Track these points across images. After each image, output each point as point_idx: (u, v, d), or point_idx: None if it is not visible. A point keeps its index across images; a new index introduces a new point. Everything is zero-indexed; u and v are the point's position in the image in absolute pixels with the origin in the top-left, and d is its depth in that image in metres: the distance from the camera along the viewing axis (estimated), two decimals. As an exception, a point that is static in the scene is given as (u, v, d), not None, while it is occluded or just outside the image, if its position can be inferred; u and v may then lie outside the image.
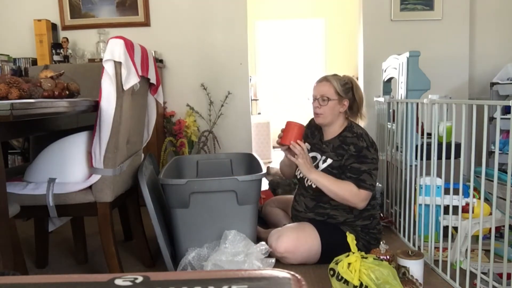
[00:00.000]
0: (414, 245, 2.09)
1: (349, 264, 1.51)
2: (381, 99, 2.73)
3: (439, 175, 1.86)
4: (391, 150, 2.55)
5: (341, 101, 1.99)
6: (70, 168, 1.69)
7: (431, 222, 1.92)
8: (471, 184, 1.88)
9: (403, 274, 1.66)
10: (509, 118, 2.54)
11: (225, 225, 1.87)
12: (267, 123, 5.36)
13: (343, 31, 6.03)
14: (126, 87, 1.62)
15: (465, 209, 1.89)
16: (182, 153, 3.24)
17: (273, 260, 1.84)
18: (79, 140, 1.73)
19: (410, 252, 1.72)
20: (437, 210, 1.96)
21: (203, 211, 1.86)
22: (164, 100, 3.30)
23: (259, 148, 5.23)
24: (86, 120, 1.97)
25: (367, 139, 1.95)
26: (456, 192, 1.86)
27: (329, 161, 1.98)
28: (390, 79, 2.74)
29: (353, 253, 1.55)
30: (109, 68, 1.58)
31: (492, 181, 1.50)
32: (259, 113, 6.08)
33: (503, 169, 1.55)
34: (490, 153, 3.02)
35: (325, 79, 2.01)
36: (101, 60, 2.69)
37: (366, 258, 1.54)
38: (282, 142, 1.94)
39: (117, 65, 1.59)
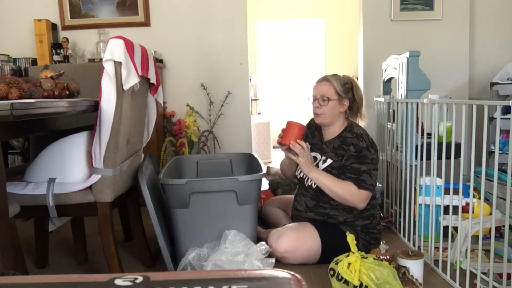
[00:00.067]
0: (414, 245, 2.09)
1: (349, 264, 1.51)
2: (381, 99, 2.73)
3: (439, 175, 1.86)
4: (391, 150, 2.55)
5: (341, 101, 1.99)
6: (70, 168, 1.69)
7: (431, 222, 1.92)
8: (471, 184, 1.88)
9: (403, 274, 1.66)
10: (509, 118, 2.54)
11: (225, 225, 1.87)
12: (267, 123, 5.36)
13: (343, 31, 6.03)
14: (126, 87, 1.62)
15: (465, 209, 1.89)
16: (182, 153, 3.24)
17: (273, 260, 1.84)
18: (79, 140, 1.73)
19: (410, 252, 1.72)
20: (437, 210, 1.96)
21: (203, 211, 1.86)
22: (164, 100, 3.30)
23: (259, 148, 5.23)
24: (86, 120, 1.97)
25: (367, 139, 1.95)
26: (456, 192, 1.86)
27: (329, 161, 1.98)
28: (390, 79, 2.74)
29: (353, 253, 1.55)
30: (109, 68, 1.58)
31: (492, 181, 1.50)
32: (259, 113, 6.08)
33: (503, 169, 1.55)
34: (490, 153, 3.02)
35: (325, 79, 2.01)
36: (101, 60, 2.69)
37: (366, 258, 1.54)
38: (282, 142, 1.94)
39: (117, 65, 1.59)
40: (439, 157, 1.84)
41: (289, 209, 2.31)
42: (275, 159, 5.24)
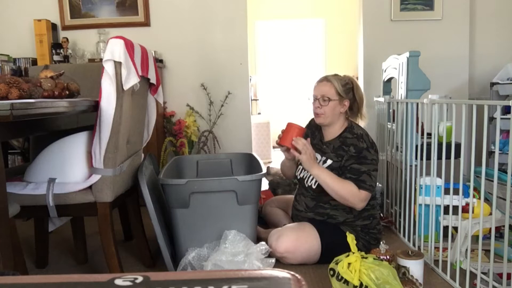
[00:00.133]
0: (414, 245, 2.09)
1: (349, 264, 1.51)
2: (381, 99, 2.73)
3: (439, 175, 1.86)
4: (391, 150, 2.55)
5: (341, 102, 1.99)
6: (70, 168, 1.69)
7: (431, 222, 1.92)
8: (471, 184, 1.88)
9: (403, 274, 1.66)
10: (509, 118, 2.54)
11: (225, 225, 1.87)
12: (267, 123, 5.36)
13: (343, 31, 6.03)
14: (126, 87, 1.62)
15: (465, 209, 1.89)
16: (182, 153, 3.24)
17: (273, 260, 1.84)
18: (79, 140, 1.73)
19: (410, 252, 1.72)
20: (437, 210, 1.96)
21: (203, 211, 1.86)
22: (164, 100, 3.31)
23: (259, 148, 5.23)
24: (86, 120, 1.97)
25: (367, 140, 1.95)
26: (456, 192, 1.86)
27: (329, 162, 1.98)
28: (390, 79, 2.74)
29: (353, 253, 1.55)
30: (109, 68, 1.58)
31: (492, 181, 1.50)
32: (259, 113, 6.08)
33: (503, 169, 1.55)
34: (490, 153, 3.02)
35: (326, 79, 2.01)
36: (101, 60, 2.69)
37: (366, 258, 1.54)
38: (281, 143, 1.94)
39: (117, 65, 1.59)
40: (439, 157, 1.84)
41: (289, 209, 2.31)
42: (275, 159, 5.24)
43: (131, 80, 1.64)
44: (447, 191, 1.87)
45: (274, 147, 5.25)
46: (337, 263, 1.57)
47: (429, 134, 2.05)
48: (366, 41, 3.46)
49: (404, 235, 2.25)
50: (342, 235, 1.78)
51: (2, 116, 1.12)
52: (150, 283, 0.41)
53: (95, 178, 1.65)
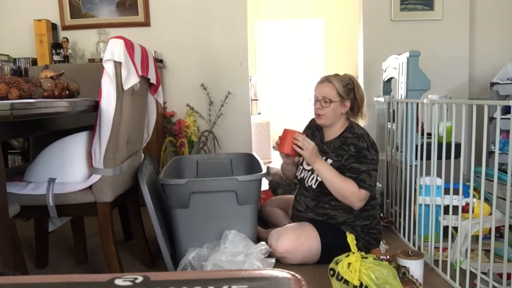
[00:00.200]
0: (414, 245, 2.09)
1: (349, 264, 1.51)
2: (381, 99, 2.73)
3: (439, 175, 1.86)
4: (391, 150, 2.55)
5: (343, 102, 1.99)
6: (70, 168, 1.69)
7: (431, 222, 1.92)
8: (471, 184, 1.88)
9: (403, 274, 1.66)
10: (509, 118, 2.54)
11: (225, 225, 1.87)
12: (267, 123, 5.36)
13: (343, 31, 6.03)
14: (126, 87, 1.62)
15: (465, 209, 1.89)
16: (182, 153, 3.24)
17: (273, 260, 1.84)
18: (79, 140, 1.73)
19: (410, 252, 1.72)
20: (437, 210, 1.96)
21: (203, 211, 1.86)
22: (164, 100, 3.30)
23: (259, 148, 5.23)
24: (86, 120, 1.97)
25: (368, 139, 1.95)
26: (456, 192, 1.86)
27: (329, 161, 1.98)
28: (390, 79, 2.74)
29: (353, 253, 1.55)
30: (109, 68, 1.58)
31: (492, 181, 1.50)
32: (259, 113, 6.08)
33: (503, 169, 1.55)
34: (490, 153, 3.02)
35: (327, 80, 2.00)
36: (101, 60, 2.69)
37: (366, 258, 1.54)
38: (280, 150, 1.95)
39: (117, 65, 1.59)
40: (439, 157, 1.84)
41: (289, 209, 2.31)
42: (275, 159, 5.24)
43: (131, 80, 1.64)
44: (447, 191, 1.87)
45: (274, 147, 5.25)
46: (337, 263, 1.57)
47: (429, 134, 2.05)
48: (366, 41, 3.45)
49: (404, 235, 2.25)
50: (342, 235, 1.77)
51: (2, 116, 1.12)
52: (150, 283, 0.41)
53: (95, 178, 1.65)
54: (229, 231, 1.84)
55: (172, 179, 1.93)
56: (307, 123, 2.27)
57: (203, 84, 3.41)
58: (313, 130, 2.18)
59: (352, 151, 1.92)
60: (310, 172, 2.04)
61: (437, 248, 1.97)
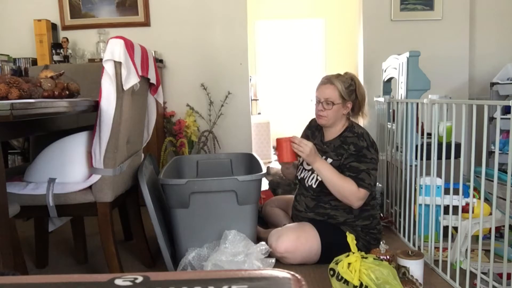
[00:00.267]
0: (414, 245, 2.09)
1: (349, 264, 1.51)
2: (381, 99, 2.73)
3: (439, 175, 1.86)
4: (391, 150, 2.55)
5: (344, 104, 1.99)
6: (70, 168, 1.69)
7: (431, 222, 1.92)
8: (471, 184, 1.88)
9: (403, 274, 1.66)
10: (509, 118, 2.54)
11: (225, 225, 1.87)
12: (267, 123, 5.35)
13: (343, 31, 6.02)
14: (126, 87, 1.62)
15: (465, 209, 1.89)
16: (182, 153, 3.24)
17: (273, 260, 1.84)
18: (79, 140, 1.73)
19: (410, 252, 1.72)
20: (437, 210, 1.96)
21: (203, 211, 1.86)
22: (164, 100, 3.30)
23: (259, 148, 5.23)
24: (86, 120, 1.97)
25: (368, 139, 1.95)
26: (456, 192, 1.86)
27: (329, 160, 1.98)
28: (390, 79, 2.74)
29: (353, 253, 1.55)
30: (109, 68, 1.58)
31: (492, 181, 1.50)
32: (259, 113, 6.08)
33: (503, 169, 1.55)
34: (490, 153, 3.02)
35: (329, 81, 1.98)
36: (101, 60, 2.69)
37: (366, 258, 1.54)
38: (281, 161, 1.98)
39: (117, 65, 1.59)
40: (439, 157, 1.84)
41: (289, 209, 2.31)
42: (275, 159, 5.24)
43: (131, 80, 1.64)
44: (447, 191, 1.87)
45: (274, 147, 5.25)
46: (337, 263, 1.57)
47: (429, 134, 2.05)
48: (366, 41, 3.45)
49: (404, 235, 2.25)
50: (342, 235, 1.77)
51: (2, 116, 1.12)
52: (150, 283, 0.41)
53: (95, 178, 1.65)
54: (229, 231, 1.84)
55: (172, 179, 1.93)
56: (307, 123, 2.27)
57: (203, 84, 3.41)
58: (313, 130, 2.18)
59: (352, 150, 1.92)
60: (310, 172, 2.04)
61: (437, 248, 1.97)
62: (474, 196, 1.89)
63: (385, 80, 2.78)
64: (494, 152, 1.67)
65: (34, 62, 3.24)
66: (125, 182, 1.82)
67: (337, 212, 1.97)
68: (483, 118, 1.66)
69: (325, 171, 1.88)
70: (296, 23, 6.27)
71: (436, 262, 1.89)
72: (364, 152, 1.91)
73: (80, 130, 1.79)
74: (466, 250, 1.69)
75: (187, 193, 1.83)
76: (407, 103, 2.21)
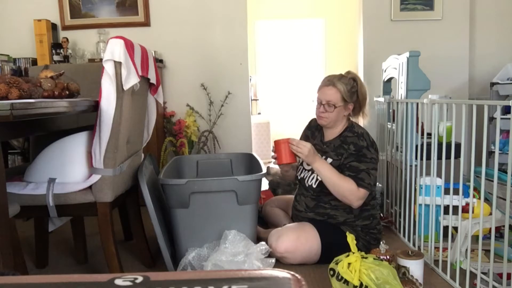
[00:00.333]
0: (414, 245, 2.09)
1: (349, 264, 1.51)
2: (381, 99, 2.73)
3: (439, 175, 1.86)
4: (391, 150, 2.55)
5: (346, 106, 1.99)
6: (70, 168, 1.69)
7: (431, 222, 1.92)
8: (471, 184, 1.88)
9: (403, 274, 1.66)
10: (509, 118, 2.54)
11: (225, 225, 1.87)
12: (267, 123, 5.35)
13: (343, 31, 6.02)
14: (126, 87, 1.62)
15: (465, 209, 1.89)
16: (182, 153, 3.24)
17: (273, 260, 1.84)
18: (79, 140, 1.73)
19: (410, 252, 1.72)
20: (437, 210, 1.96)
21: (203, 211, 1.86)
22: (164, 100, 3.30)
23: (259, 148, 5.23)
24: (86, 120, 1.97)
25: (368, 138, 1.95)
26: (456, 192, 1.86)
27: (329, 160, 1.98)
28: (390, 79, 2.74)
29: (353, 253, 1.55)
30: (109, 68, 1.58)
31: (492, 181, 1.50)
32: (259, 113, 6.08)
33: (503, 169, 1.55)
34: (490, 153, 3.02)
35: (332, 83, 1.97)
36: (101, 60, 2.69)
37: (366, 258, 1.54)
38: (280, 163, 1.97)
39: (117, 65, 1.59)
40: (439, 157, 1.84)
41: (289, 209, 2.31)
42: (273, 162, 5.23)
43: (131, 80, 1.64)
44: (447, 191, 1.87)
45: (272, 150, 5.25)
46: (337, 263, 1.57)
47: (429, 134, 2.05)
48: (366, 41, 3.45)
49: (404, 235, 2.25)
50: (342, 235, 1.77)
51: (2, 116, 1.12)
52: (150, 283, 0.41)
53: (95, 178, 1.65)
54: (229, 231, 1.84)
55: (172, 179, 1.93)
56: (307, 123, 2.27)
57: (203, 84, 3.41)
58: (313, 130, 2.18)
59: (352, 149, 1.92)
60: (310, 172, 2.04)
61: (437, 248, 1.97)
62: (474, 196, 1.89)
63: (385, 80, 2.78)
64: (494, 152, 1.67)
65: (34, 62, 3.24)
66: (125, 182, 1.82)
67: (337, 212, 1.97)
68: (483, 118, 1.66)
69: (324, 171, 1.89)
70: (296, 23, 6.27)
71: (436, 262, 1.89)
72: (364, 151, 1.91)
73: (80, 130, 1.79)
74: (466, 250, 1.69)
75: (187, 193, 1.83)
76: (407, 103, 2.21)
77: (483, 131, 1.56)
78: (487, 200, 1.79)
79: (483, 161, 1.54)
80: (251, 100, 3.97)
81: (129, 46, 1.64)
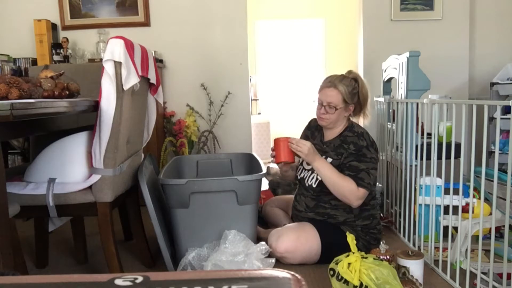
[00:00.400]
0: (414, 245, 2.09)
1: (349, 264, 1.51)
2: (381, 99, 2.73)
3: (439, 175, 1.86)
4: (391, 150, 2.55)
5: (347, 107, 1.99)
6: (70, 168, 1.69)
7: (431, 222, 1.92)
8: (471, 184, 1.88)
9: (403, 274, 1.66)
10: (509, 118, 2.54)
11: (225, 225, 1.87)
12: (267, 123, 5.35)
13: (343, 31, 6.02)
14: (126, 87, 1.62)
15: (465, 209, 1.89)
16: (182, 153, 3.24)
17: (273, 260, 1.84)
18: (79, 140, 1.73)
19: (410, 252, 1.72)
20: (437, 210, 1.96)
21: (203, 211, 1.86)
22: (164, 100, 3.30)
23: (259, 148, 5.23)
24: (86, 120, 1.97)
25: (368, 138, 1.95)
26: (456, 192, 1.86)
27: (329, 160, 1.98)
28: (390, 79, 2.74)
29: (353, 253, 1.55)
30: (109, 68, 1.58)
31: (492, 181, 1.50)
32: (259, 113, 6.08)
33: (503, 169, 1.55)
34: (490, 153, 3.02)
35: (333, 85, 1.96)
36: (101, 60, 2.69)
37: (366, 258, 1.54)
38: (278, 161, 1.96)
39: (117, 65, 1.59)
40: (439, 157, 1.84)
41: (289, 209, 2.31)
42: (272, 160, 5.23)
43: (131, 80, 1.64)
44: (447, 191, 1.87)
45: (272, 148, 5.25)
46: (337, 263, 1.57)
47: (429, 134, 2.05)
48: (366, 41, 3.45)
49: (404, 235, 2.25)
50: (342, 235, 1.77)
51: (2, 116, 1.12)
52: (150, 283, 0.41)
53: (95, 178, 1.65)
54: (229, 231, 1.84)
55: (172, 179, 1.93)
56: (307, 123, 2.27)
57: (203, 84, 3.41)
58: (313, 130, 2.18)
59: (352, 149, 1.92)
60: (310, 172, 2.04)
61: (437, 248, 1.97)
62: (474, 196, 1.89)
63: (385, 80, 2.78)
64: (494, 152, 1.67)
65: (34, 62, 3.24)
66: (125, 182, 1.82)
67: (337, 211, 1.97)
68: (483, 118, 1.66)
69: (324, 170, 1.89)
70: (296, 23, 6.27)
71: (436, 262, 1.89)
72: (364, 151, 1.91)
73: (80, 130, 1.79)
74: (466, 250, 1.69)
75: (187, 193, 1.83)
76: (407, 103, 2.21)
77: (483, 131, 1.56)
78: (487, 200, 1.79)
79: (483, 161, 1.54)
80: (251, 100, 3.97)
81: (129, 46, 1.64)
